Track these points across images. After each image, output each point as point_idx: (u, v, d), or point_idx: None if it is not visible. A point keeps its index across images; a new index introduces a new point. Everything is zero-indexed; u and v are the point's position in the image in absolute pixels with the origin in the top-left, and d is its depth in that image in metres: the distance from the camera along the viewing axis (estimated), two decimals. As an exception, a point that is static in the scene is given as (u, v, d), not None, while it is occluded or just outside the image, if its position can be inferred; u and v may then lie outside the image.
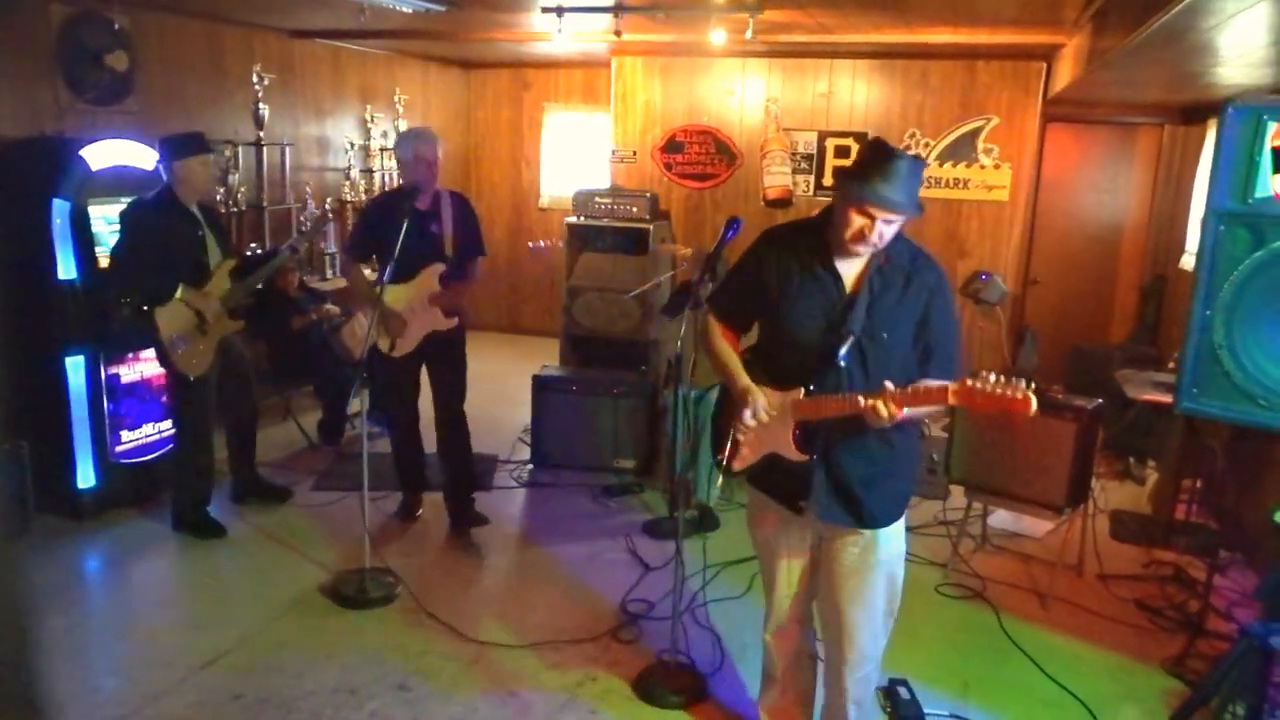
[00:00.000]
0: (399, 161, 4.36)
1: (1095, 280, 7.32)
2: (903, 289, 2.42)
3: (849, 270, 2.46)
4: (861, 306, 2.40)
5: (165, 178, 4.21)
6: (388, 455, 4.94)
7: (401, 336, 4.30)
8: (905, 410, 2.26)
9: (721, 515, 4.79)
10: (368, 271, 4.53)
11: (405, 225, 3.94)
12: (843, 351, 2.39)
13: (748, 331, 2.74)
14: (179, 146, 4.20)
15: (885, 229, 2.33)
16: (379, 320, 4.11)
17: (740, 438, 2.58)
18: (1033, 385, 2.08)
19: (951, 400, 2.21)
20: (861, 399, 2.28)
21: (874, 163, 2.31)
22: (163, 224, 4.17)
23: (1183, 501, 4.72)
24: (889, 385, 2.27)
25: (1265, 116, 2.32)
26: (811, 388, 2.44)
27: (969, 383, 2.16)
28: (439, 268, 4.28)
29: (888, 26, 5.44)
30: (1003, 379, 2.12)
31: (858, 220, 2.33)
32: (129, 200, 4.25)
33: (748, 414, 2.49)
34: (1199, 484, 4.81)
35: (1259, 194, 2.26)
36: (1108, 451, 5.74)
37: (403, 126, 7.66)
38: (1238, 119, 2.14)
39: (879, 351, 2.41)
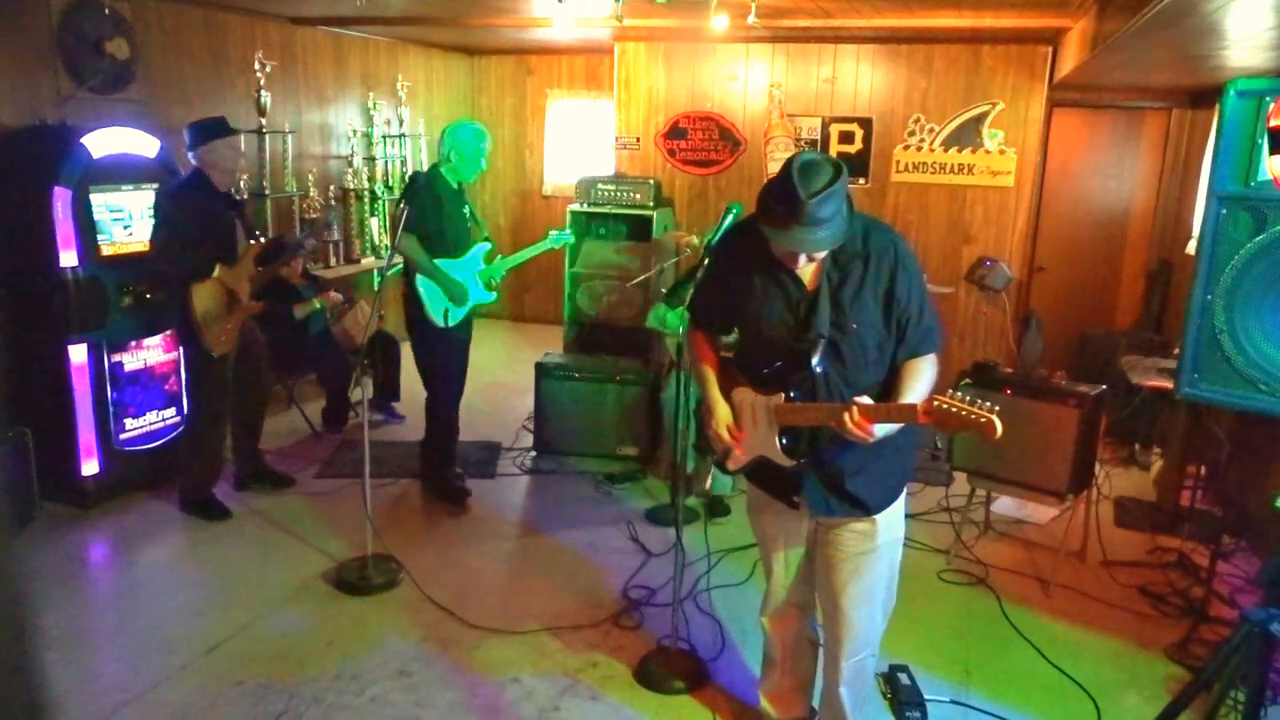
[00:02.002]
0: (465, 153, 4.47)
1: (1101, 266, 7.28)
2: (862, 273, 2.34)
3: (806, 266, 2.38)
4: (824, 302, 2.35)
5: (194, 163, 4.30)
6: (392, 443, 4.97)
7: (461, 305, 4.60)
8: (879, 428, 2.24)
9: (733, 502, 4.78)
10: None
11: (460, 207, 4.53)
12: (815, 359, 2.35)
13: (728, 334, 2.73)
14: (205, 131, 4.30)
15: (816, 255, 2.30)
16: (445, 291, 4.50)
17: (718, 447, 2.61)
18: (995, 409, 2.06)
19: (922, 419, 2.17)
20: (834, 415, 2.26)
21: (786, 204, 2.17)
22: (199, 204, 4.28)
23: (1187, 488, 4.70)
24: (860, 400, 2.24)
25: (1268, 98, 2.30)
26: (791, 395, 2.41)
27: (936, 403, 2.13)
28: (486, 246, 4.69)
29: (889, 10, 5.40)
30: (969, 399, 2.09)
31: (781, 254, 2.31)
32: (123, 187, 4.34)
33: (712, 429, 2.57)
34: (1204, 470, 4.79)
35: (1261, 177, 2.24)
36: (1113, 438, 5.72)
37: (406, 114, 7.64)
38: (1240, 101, 2.11)
39: (852, 343, 2.36)
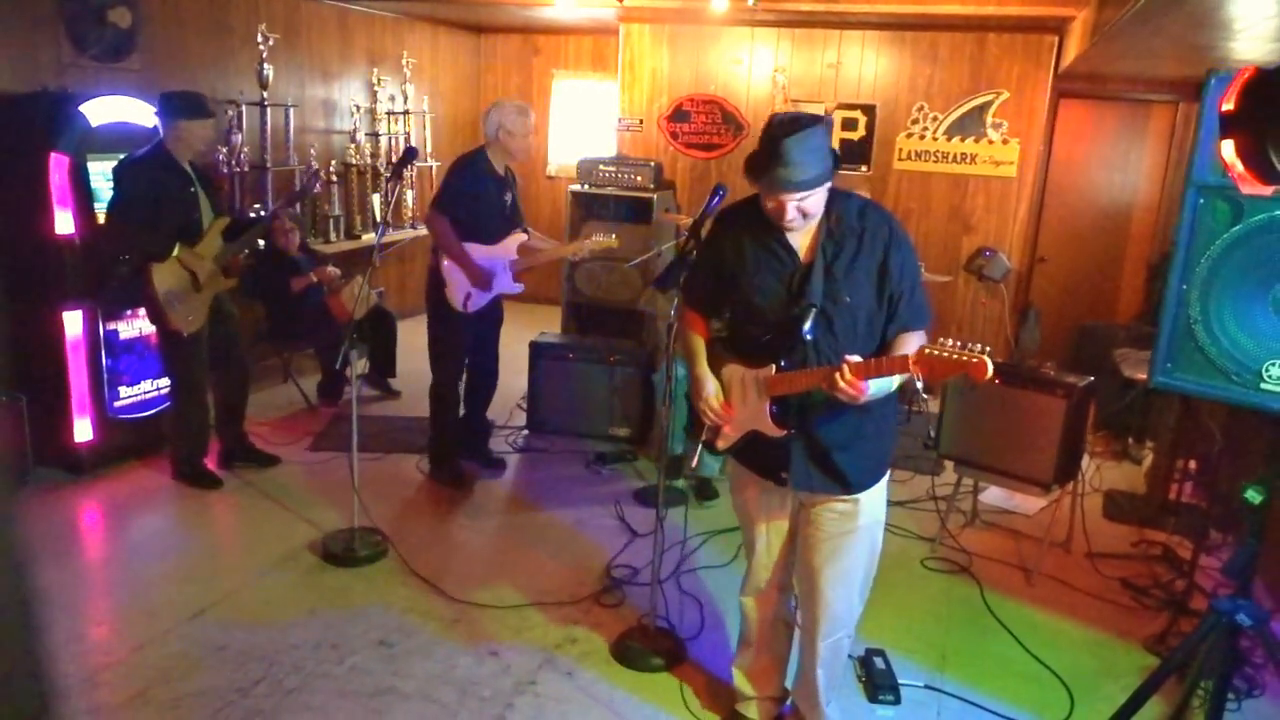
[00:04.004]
0: (515, 131, 4.35)
1: (1104, 258, 7.25)
2: (856, 247, 2.39)
3: (801, 240, 2.44)
4: (818, 274, 2.39)
5: (161, 134, 4.21)
6: (383, 418, 5.00)
7: (484, 291, 4.49)
8: (870, 383, 2.25)
9: (721, 486, 4.80)
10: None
11: (501, 194, 4.40)
12: (807, 326, 2.38)
13: (721, 316, 2.75)
14: (182, 106, 4.19)
15: (805, 205, 2.32)
16: (468, 274, 4.40)
17: (706, 423, 2.64)
18: (988, 350, 2.08)
19: (912, 369, 2.19)
20: (826, 377, 2.27)
21: (766, 148, 2.27)
22: (155, 180, 4.17)
23: (1175, 481, 4.70)
24: (851, 358, 2.25)
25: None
26: (782, 364, 2.44)
27: (927, 351, 2.15)
28: (521, 237, 4.60)
29: (893, -5, 5.38)
30: (959, 344, 2.12)
31: (770, 204, 2.35)
32: (121, 157, 4.25)
33: (702, 403, 2.60)
34: (1195, 465, 4.78)
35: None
36: (1106, 431, 5.72)
37: (411, 91, 7.64)
38: (1220, 89, 2.10)
39: (844, 315, 2.40)
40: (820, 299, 2.38)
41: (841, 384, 2.23)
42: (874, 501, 2.60)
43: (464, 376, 4.80)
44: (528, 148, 4.47)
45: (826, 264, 2.39)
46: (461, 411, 4.88)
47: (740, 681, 3.00)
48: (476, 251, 4.42)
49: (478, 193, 4.37)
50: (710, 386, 2.62)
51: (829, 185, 2.36)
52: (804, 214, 2.35)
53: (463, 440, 4.96)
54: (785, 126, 2.26)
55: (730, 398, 2.61)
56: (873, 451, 2.57)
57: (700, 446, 2.73)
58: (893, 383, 2.36)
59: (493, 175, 4.43)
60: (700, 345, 2.69)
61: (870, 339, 2.43)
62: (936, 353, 2.12)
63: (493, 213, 4.45)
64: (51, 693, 0.97)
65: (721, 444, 2.67)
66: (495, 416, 5.72)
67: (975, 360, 2.07)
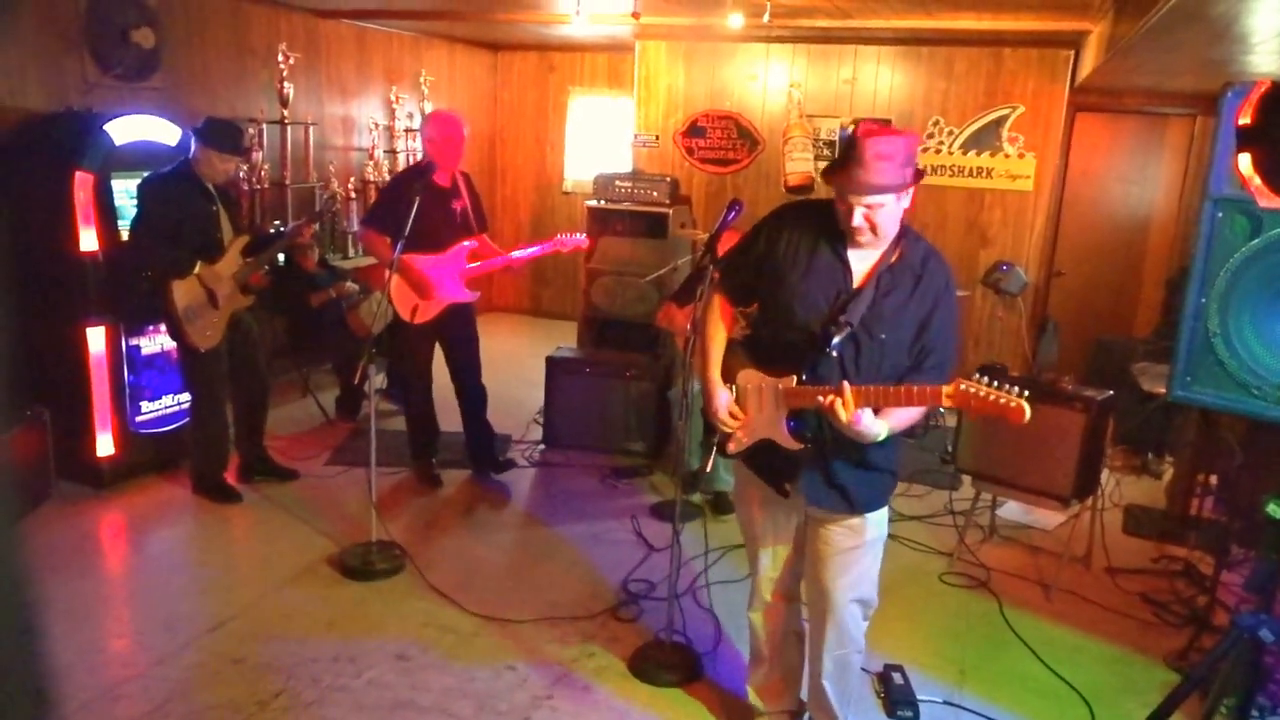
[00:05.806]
0: (438, 140, 4.45)
1: (1122, 272, 7.22)
2: (910, 291, 2.38)
3: (860, 263, 2.42)
4: (865, 301, 2.38)
5: (191, 152, 4.27)
6: (401, 433, 5.04)
7: (428, 300, 4.52)
8: (878, 423, 2.28)
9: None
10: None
11: (420, 200, 4.10)
12: (836, 340, 2.37)
13: (749, 306, 2.74)
14: (215, 137, 4.23)
15: (874, 216, 2.29)
16: (409, 284, 4.45)
17: (719, 429, 2.64)
18: (1025, 394, 2.06)
19: (946, 403, 2.19)
20: (833, 395, 2.27)
21: (847, 149, 2.26)
22: (178, 197, 4.23)
23: (1196, 496, 4.66)
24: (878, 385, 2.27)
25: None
26: (805, 378, 2.43)
27: (963, 386, 2.14)
28: (469, 246, 4.61)
29: (908, 11, 5.38)
30: (995, 384, 2.10)
31: (840, 206, 2.33)
32: (146, 174, 4.31)
33: (713, 411, 2.61)
34: (1215, 479, 4.73)
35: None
36: (1126, 446, 5.68)
37: (429, 108, 7.70)
38: (1237, 102, 2.10)
39: (874, 349, 2.39)
40: (857, 323, 2.38)
41: (838, 407, 2.23)
42: (880, 517, 2.62)
43: (421, 382, 4.87)
44: (453, 156, 4.48)
45: (876, 295, 2.38)
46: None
47: (754, 698, 3.00)
48: (422, 261, 4.46)
49: (413, 203, 4.16)
50: (723, 397, 2.61)
51: (904, 202, 2.32)
52: (872, 227, 2.31)
53: (469, 454, 5.06)
54: (868, 127, 2.27)
55: (746, 403, 2.60)
56: (882, 476, 2.58)
57: (714, 451, 2.72)
58: (898, 419, 2.36)
59: (429, 187, 4.29)
60: (719, 347, 2.67)
61: (888, 380, 2.42)
62: (973, 390, 2.11)
63: (435, 222, 4.42)
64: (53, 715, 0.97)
65: (733, 447, 2.66)
66: (511, 430, 5.75)
67: (1014, 405, 2.05)
